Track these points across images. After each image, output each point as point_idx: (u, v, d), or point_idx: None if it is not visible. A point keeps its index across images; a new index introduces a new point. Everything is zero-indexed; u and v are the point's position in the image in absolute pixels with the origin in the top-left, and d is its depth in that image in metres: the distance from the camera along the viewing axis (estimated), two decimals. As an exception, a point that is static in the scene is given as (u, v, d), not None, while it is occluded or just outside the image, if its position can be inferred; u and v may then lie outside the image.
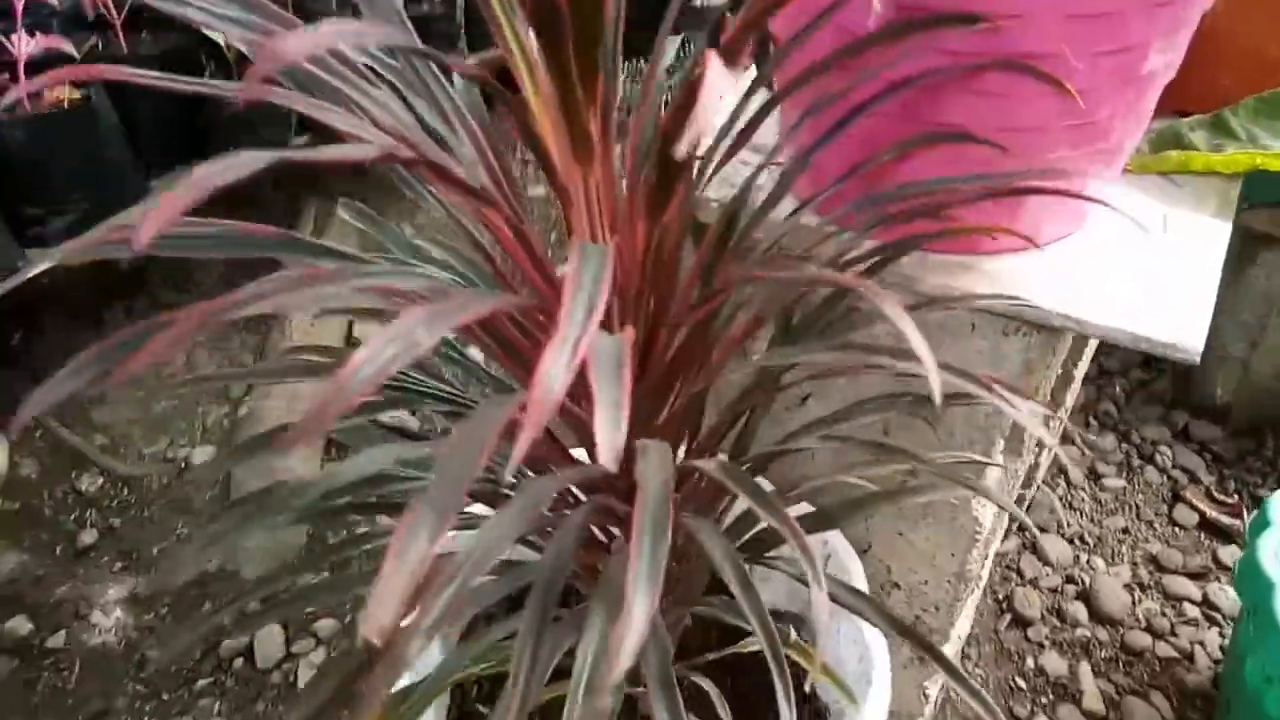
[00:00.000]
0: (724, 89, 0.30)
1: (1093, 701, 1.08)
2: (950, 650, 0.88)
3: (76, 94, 1.23)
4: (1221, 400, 1.39)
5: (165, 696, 1.09)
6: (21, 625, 1.15)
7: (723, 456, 0.49)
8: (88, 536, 1.24)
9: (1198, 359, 0.59)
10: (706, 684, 0.57)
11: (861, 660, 0.69)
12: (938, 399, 0.33)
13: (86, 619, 1.16)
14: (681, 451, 0.58)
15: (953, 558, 0.78)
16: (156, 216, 0.30)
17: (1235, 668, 0.96)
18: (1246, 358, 1.33)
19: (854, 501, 0.56)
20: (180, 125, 1.38)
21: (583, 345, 0.31)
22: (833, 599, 0.52)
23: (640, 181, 0.50)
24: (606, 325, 0.46)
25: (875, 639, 0.69)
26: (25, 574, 1.21)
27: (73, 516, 1.27)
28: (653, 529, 0.37)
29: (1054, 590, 1.21)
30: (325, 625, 1.14)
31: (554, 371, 0.30)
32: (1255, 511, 0.95)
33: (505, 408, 0.34)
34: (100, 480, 1.31)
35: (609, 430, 0.31)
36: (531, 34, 0.42)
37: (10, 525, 1.25)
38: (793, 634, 0.57)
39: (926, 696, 0.91)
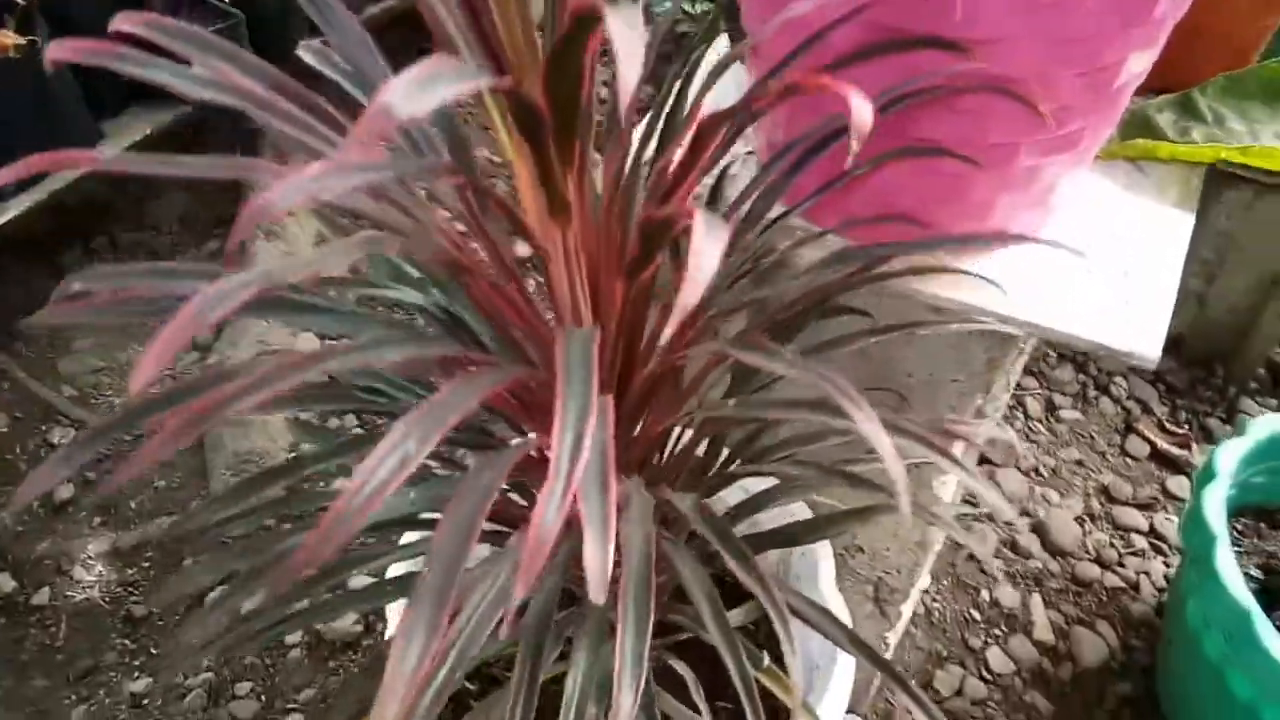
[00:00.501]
0: (714, 249, 0.30)
1: (1043, 632, 1.15)
2: (909, 602, 0.92)
3: (22, 40, 1.18)
4: (1175, 332, 1.42)
5: (154, 650, 1.12)
6: (5, 582, 1.17)
7: (692, 497, 0.51)
8: (64, 491, 1.25)
9: (1154, 365, 0.61)
10: (680, 666, 0.60)
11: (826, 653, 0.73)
12: (901, 490, 0.35)
13: (69, 575, 1.18)
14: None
15: (914, 528, 0.82)
16: (150, 363, 0.31)
17: (1177, 606, 1.02)
18: (1203, 292, 1.36)
19: (826, 519, 0.58)
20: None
21: (572, 490, 0.32)
22: (795, 613, 0.55)
23: (621, 237, 0.50)
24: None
25: (840, 610, 0.72)
26: (4, 530, 1.22)
27: (47, 470, 1.27)
28: (635, 616, 0.39)
29: (1009, 524, 1.26)
30: (307, 577, 1.17)
31: (548, 518, 0.31)
32: (1203, 460, 0.99)
33: (488, 492, 0.35)
34: (72, 433, 1.31)
35: (598, 560, 0.32)
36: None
37: (-16, 481, 1.26)
38: (765, 659, 0.60)
39: (887, 644, 0.96)
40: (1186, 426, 1.36)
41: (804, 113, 0.63)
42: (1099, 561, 1.22)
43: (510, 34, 0.41)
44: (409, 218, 0.45)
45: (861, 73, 0.54)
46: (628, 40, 0.29)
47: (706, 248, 0.30)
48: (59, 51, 0.40)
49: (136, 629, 1.13)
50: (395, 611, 0.65)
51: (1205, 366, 1.42)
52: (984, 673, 1.11)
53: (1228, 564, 0.89)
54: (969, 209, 0.63)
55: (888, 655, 0.98)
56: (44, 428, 1.31)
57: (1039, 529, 1.25)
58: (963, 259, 0.66)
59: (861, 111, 0.32)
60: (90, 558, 1.20)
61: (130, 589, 1.17)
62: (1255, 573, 1.00)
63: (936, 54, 0.53)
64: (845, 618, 0.60)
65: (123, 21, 0.44)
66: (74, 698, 1.08)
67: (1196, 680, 0.99)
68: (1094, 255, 0.66)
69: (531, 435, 0.51)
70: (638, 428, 0.55)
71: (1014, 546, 1.23)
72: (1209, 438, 1.35)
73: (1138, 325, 0.62)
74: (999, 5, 0.51)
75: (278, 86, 0.47)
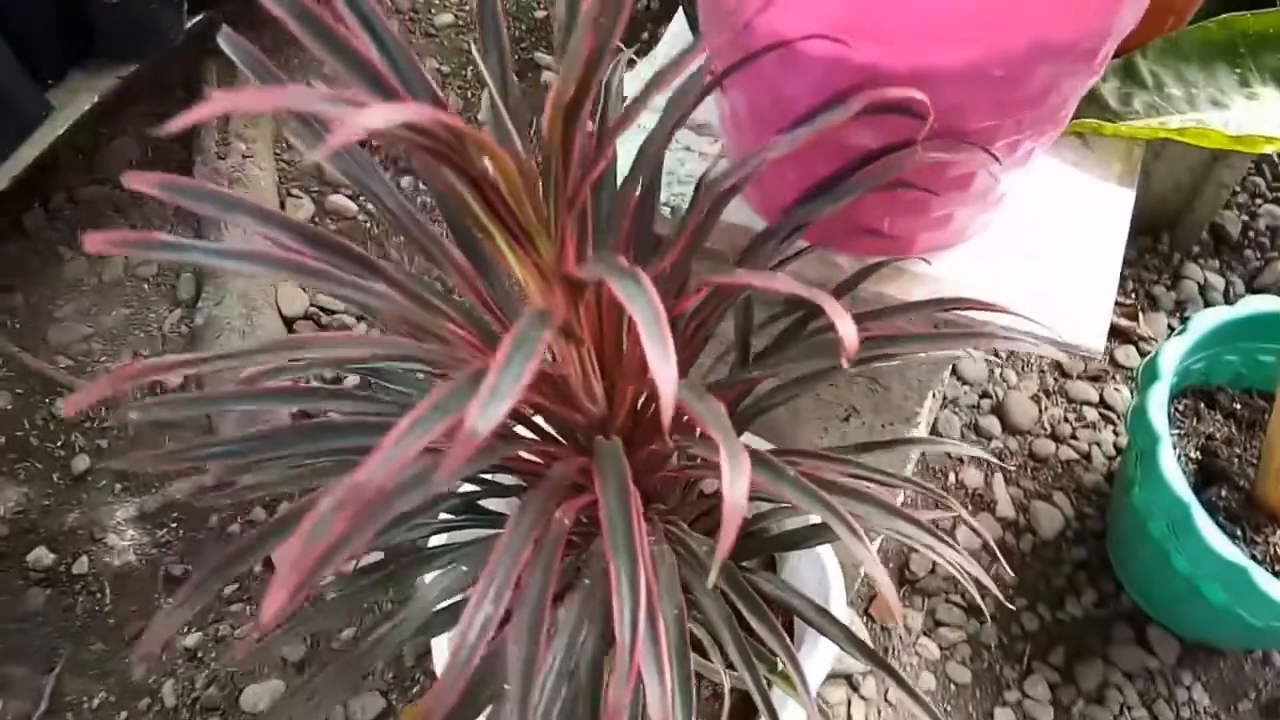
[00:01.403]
0: (742, 483, 0.36)
1: (1005, 509, 1.27)
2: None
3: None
4: (1124, 202, 1.48)
5: (198, 606, 1.21)
6: (44, 555, 1.25)
7: (709, 543, 0.59)
8: (80, 462, 1.31)
9: (1099, 354, 0.69)
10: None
11: (820, 582, 0.83)
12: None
13: (103, 542, 1.26)
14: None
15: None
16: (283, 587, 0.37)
17: (1125, 486, 1.13)
18: (1149, 165, 1.41)
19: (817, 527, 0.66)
20: (66, 28, 1.29)
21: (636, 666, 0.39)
22: (801, 616, 0.64)
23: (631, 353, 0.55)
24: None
25: (832, 566, 0.82)
26: (31, 505, 1.29)
27: (59, 443, 1.33)
28: (680, 677, 0.48)
29: (972, 407, 1.36)
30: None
31: (619, 696, 0.38)
32: (1143, 366, 1.08)
33: (544, 593, 0.43)
34: (76, 403, 1.35)
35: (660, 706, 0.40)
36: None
37: (2, 460, 1.31)
38: (780, 662, 0.69)
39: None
40: (1133, 296, 1.45)
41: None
42: (1054, 436, 1.33)
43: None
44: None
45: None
46: (652, 326, 0.34)
47: (736, 483, 0.37)
48: (96, 244, 0.44)
49: (177, 588, 1.22)
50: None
51: (1152, 235, 1.49)
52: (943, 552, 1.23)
53: (1170, 463, 0.99)
54: (930, 222, 0.69)
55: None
56: (47, 400, 1.36)
57: (998, 410, 1.35)
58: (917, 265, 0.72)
59: (849, 334, 0.38)
60: (120, 524, 1.28)
61: (163, 550, 1.26)
62: (1194, 454, 1.11)
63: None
64: (844, 615, 0.70)
65: (134, 180, 0.48)
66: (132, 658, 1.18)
67: (1142, 552, 1.11)
68: (1039, 245, 0.72)
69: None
70: (655, 476, 0.63)
71: (976, 429, 1.34)
72: (1155, 305, 1.44)
73: (1081, 317, 0.69)
74: (958, 86, 0.55)
75: (313, 239, 0.52)
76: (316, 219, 1.52)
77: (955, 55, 0.54)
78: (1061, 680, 1.15)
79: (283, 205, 1.52)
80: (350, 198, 1.54)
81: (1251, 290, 1.47)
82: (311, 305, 1.42)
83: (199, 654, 1.18)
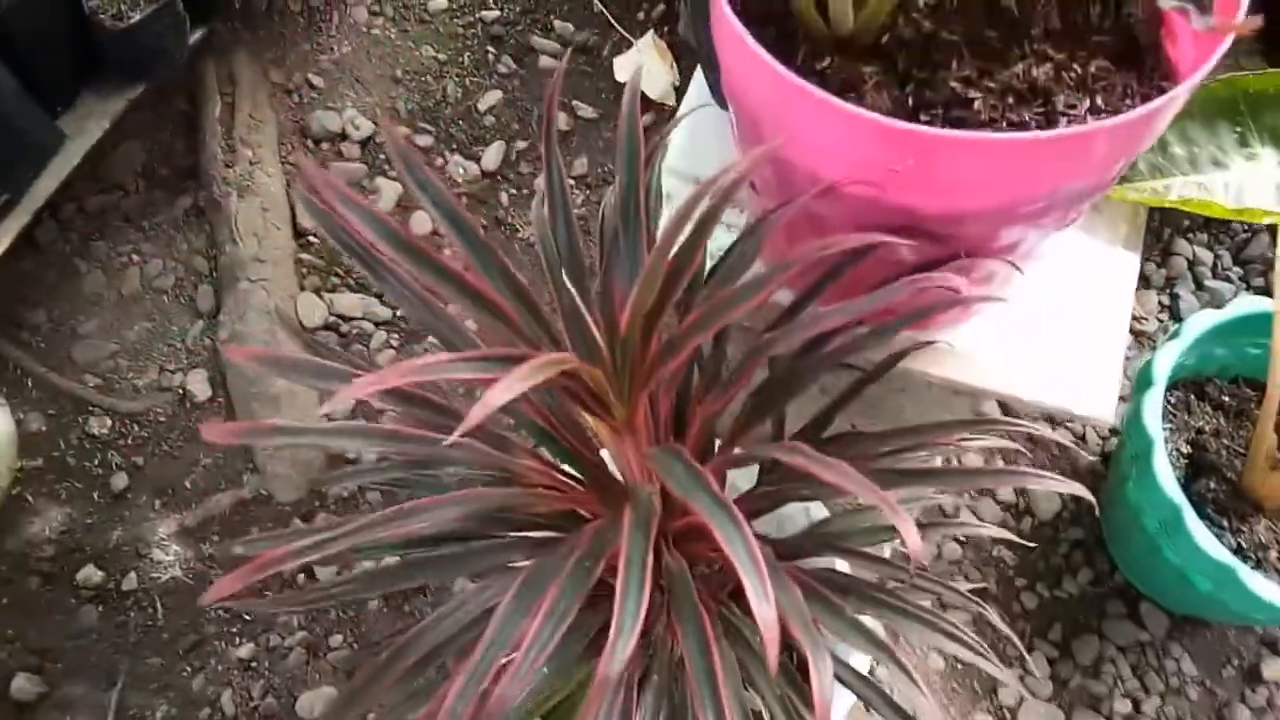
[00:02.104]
0: (829, 677, 0.42)
1: (1006, 493, 1.34)
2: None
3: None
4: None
5: (247, 617, 1.28)
6: (93, 574, 1.31)
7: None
8: (119, 480, 1.36)
9: (1110, 424, 0.74)
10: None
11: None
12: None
13: (148, 558, 1.32)
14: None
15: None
16: None
17: (1119, 477, 1.20)
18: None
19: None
20: (74, 55, 1.29)
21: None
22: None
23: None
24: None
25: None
26: (75, 525, 1.34)
27: (96, 461, 1.38)
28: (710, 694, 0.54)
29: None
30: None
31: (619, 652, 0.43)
32: (1140, 370, 1.14)
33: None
34: (109, 421, 1.40)
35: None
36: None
37: (42, 481, 1.36)
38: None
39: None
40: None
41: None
42: (1050, 420, 1.39)
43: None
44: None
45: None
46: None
47: (824, 677, 0.42)
48: (217, 435, 0.49)
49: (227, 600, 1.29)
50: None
51: (1143, 213, 1.53)
52: (957, 535, 1.31)
53: (1163, 466, 1.06)
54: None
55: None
56: (80, 420, 1.40)
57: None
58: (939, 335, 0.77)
59: (916, 545, 0.43)
60: (163, 539, 1.33)
61: (209, 564, 1.32)
62: (1184, 448, 1.18)
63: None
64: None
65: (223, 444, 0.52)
66: (190, 670, 1.25)
67: (1135, 539, 1.19)
68: (1049, 319, 0.77)
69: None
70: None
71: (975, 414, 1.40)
72: (1146, 283, 1.49)
73: (1092, 388, 0.74)
74: (983, 221, 0.60)
75: (403, 398, 0.56)
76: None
77: (982, 202, 0.59)
78: (1060, 655, 1.24)
79: (293, 211, 1.54)
80: (357, 198, 1.56)
81: (1238, 262, 1.52)
82: (330, 315, 1.46)
83: (253, 664, 1.25)
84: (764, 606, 0.39)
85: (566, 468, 0.66)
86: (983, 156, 0.55)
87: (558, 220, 0.56)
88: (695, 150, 0.85)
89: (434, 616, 0.61)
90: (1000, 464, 0.82)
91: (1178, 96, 0.53)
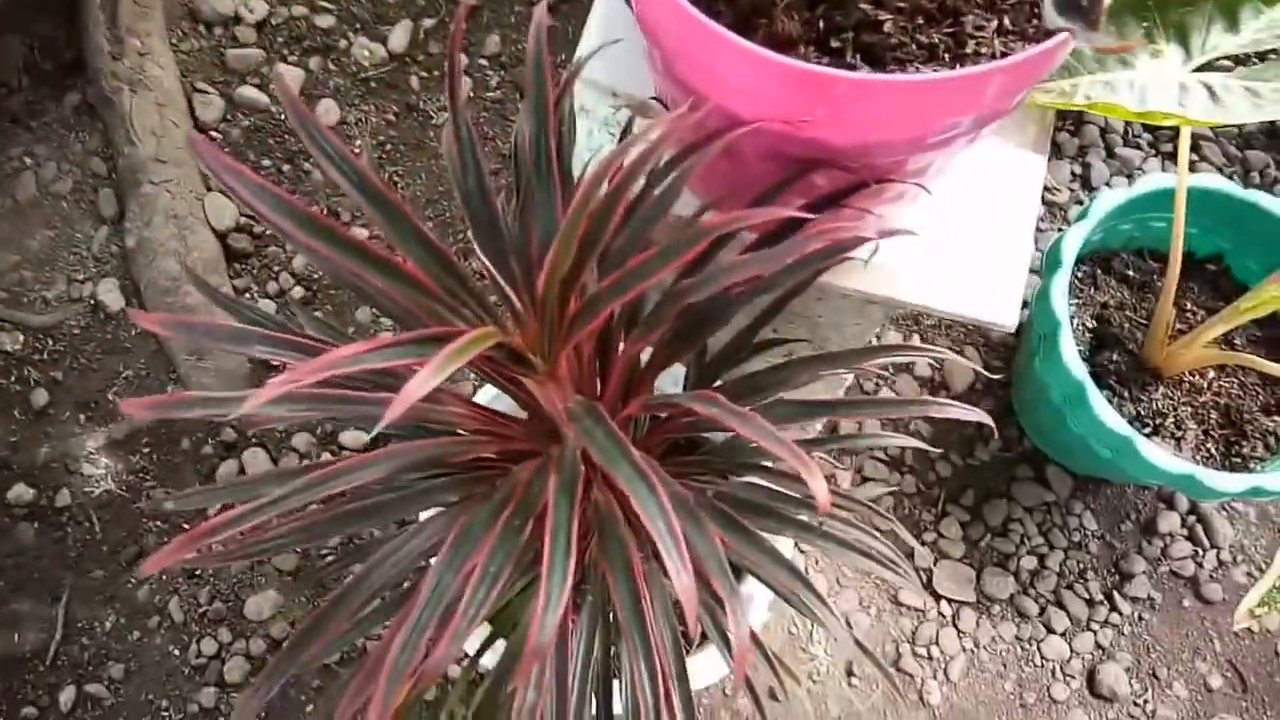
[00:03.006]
0: (745, 626, 0.45)
1: (923, 368, 1.40)
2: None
3: None
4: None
5: (187, 526, 1.30)
6: (24, 492, 1.30)
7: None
8: (39, 397, 1.34)
9: (1013, 329, 0.78)
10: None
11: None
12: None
13: (79, 473, 1.32)
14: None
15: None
16: None
17: (1028, 353, 1.26)
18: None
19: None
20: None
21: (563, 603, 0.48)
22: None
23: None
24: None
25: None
26: (2, 443, 1.33)
27: (13, 379, 1.35)
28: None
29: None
30: (301, 440, 1.33)
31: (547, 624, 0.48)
32: (1048, 249, 1.18)
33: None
34: (20, 336, 1.37)
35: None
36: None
37: (-43, 401, 1.34)
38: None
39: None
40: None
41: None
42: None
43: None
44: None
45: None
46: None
47: (740, 628, 0.46)
48: (133, 407, 0.49)
49: (163, 511, 1.30)
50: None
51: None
52: (873, 451, 1.36)
53: (1069, 347, 1.11)
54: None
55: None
56: (-11, 337, 1.37)
57: (917, 270, 1.45)
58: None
59: (821, 492, 0.46)
60: (92, 453, 1.33)
61: (142, 475, 1.32)
62: (1089, 323, 1.24)
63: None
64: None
65: (141, 320, 0.53)
66: (134, 581, 1.27)
67: (1042, 410, 1.26)
68: (957, 224, 0.79)
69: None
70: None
71: (897, 290, 1.44)
72: (1058, 152, 1.52)
73: (997, 295, 0.77)
74: (890, 149, 0.60)
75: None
76: (229, 116, 1.48)
77: (889, 135, 0.59)
78: (971, 519, 1.32)
79: (190, 105, 1.47)
80: (259, 88, 1.50)
81: (1148, 129, 1.55)
82: (242, 216, 1.42)
83: (197, 572, 1.28)
84: (682, 577, 0.42)
85: (497, 406, 0.67)
86: (886, 97, 0.55)
87: (468, 174, 0.56)
88: (609, 59, 0.84)
89: (376, 558, 0.63)
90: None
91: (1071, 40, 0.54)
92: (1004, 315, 0.77)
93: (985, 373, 0.76)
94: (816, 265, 0.60)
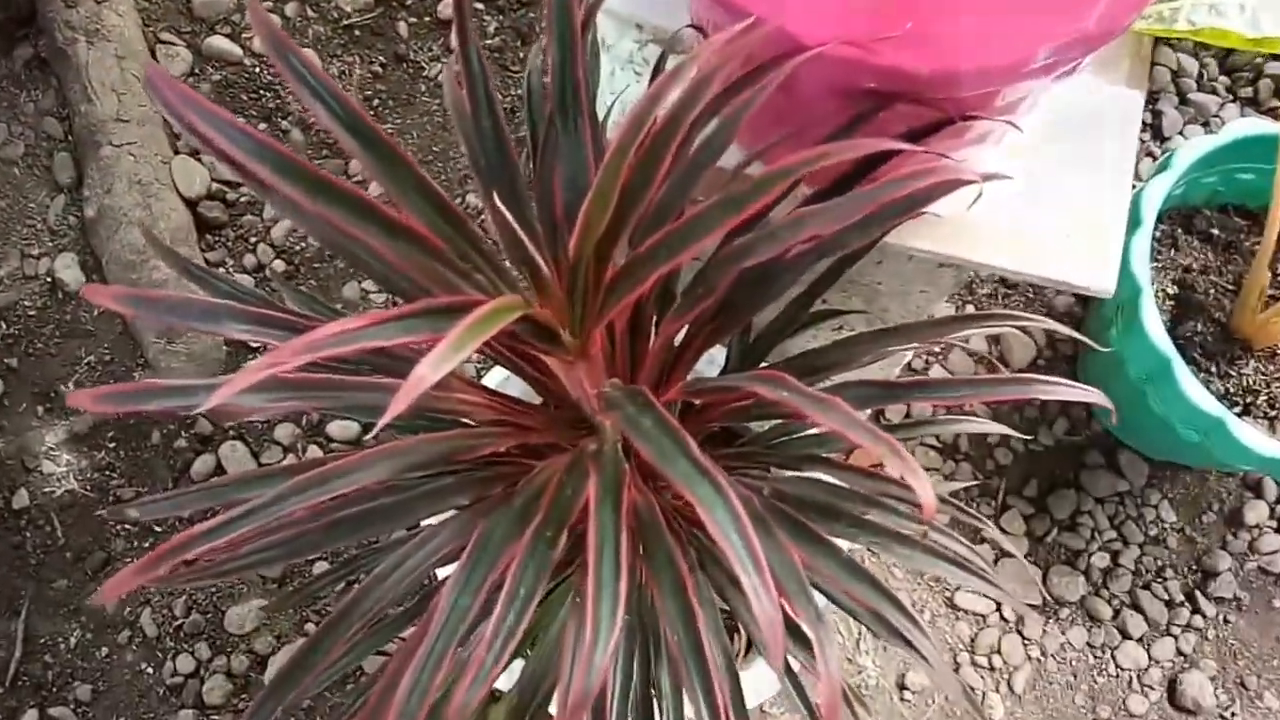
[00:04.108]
0: (834, 653, 0.39)
1: (978, 342, 1.33)
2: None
3: None
4: None
5: (159, 529, 1.24)
6: (-24, 493, 1.25)
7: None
8: (-8, 386, 1.28)
9: (1110, 294, 0.72)
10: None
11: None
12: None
13: (38, 471, 1.26)
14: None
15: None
16: None
17: (1102, 322, 1.20)
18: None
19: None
20: None
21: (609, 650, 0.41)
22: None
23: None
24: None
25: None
26: (-51, 439, 1.27)
27: (-37, 368, 1.30)
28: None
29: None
30: (285, 431, 1.27)
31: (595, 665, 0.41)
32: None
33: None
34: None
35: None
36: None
37: (-99, 393, 1.28)
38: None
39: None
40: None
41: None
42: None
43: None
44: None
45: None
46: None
47: (830, 661, 0.40)
48: (81, 401, 0.44)
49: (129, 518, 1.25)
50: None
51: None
52: (940, 436, 1.30)
53: (1151, 315, 1.05)
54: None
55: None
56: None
57: (969, 233, 1.39)
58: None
59: (927, 496, 0.40)
60: (52, 449, 1.27)
61: (107, 473, 1.27)
62: (1170, 289, 1.17)
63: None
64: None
65: (94, 295, 0.47)
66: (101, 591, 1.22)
67: (1116, 387, 1.19)
68: (1044, 172, 0.73)
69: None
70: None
71: (947, 256, 1.38)
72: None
73: (1093, 255, 0.71)
74: (977, 79, 0.54)
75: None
76: (196, 70, 1.41)
77: (984, 59, 0.53)
78: (1035, 512, 1.26)
79: (154, 58, 1.40)
80: (230, 38, 1.43)
81: (1225, 70, 1.48)
82: (214, 180, 1.36)
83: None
84: (765, 604, 0.36)
85: (515, 393, 0.61)
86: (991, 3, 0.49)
87: (480, 116, 0.50)
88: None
89: (376, 573, 0.57)
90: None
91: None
92: (1100, 278, 0.71)
93: (1082, 339, 0.69)
94: (894, 219, 0.54)
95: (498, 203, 0.43)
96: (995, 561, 1.24)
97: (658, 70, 0.72)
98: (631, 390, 0.48)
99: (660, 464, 0.40)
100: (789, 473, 0.66)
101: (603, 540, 0.40)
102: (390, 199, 0.49)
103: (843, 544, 0.60)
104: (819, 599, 0.77)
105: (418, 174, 0.47)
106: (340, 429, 1.28)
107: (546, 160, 0.53)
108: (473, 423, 0.60)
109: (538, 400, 0.66)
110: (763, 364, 0.71)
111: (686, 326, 0.61)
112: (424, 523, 0.68)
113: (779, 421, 0.70)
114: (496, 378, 0.88)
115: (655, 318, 0.63)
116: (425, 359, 0.35)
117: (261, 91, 1.42)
